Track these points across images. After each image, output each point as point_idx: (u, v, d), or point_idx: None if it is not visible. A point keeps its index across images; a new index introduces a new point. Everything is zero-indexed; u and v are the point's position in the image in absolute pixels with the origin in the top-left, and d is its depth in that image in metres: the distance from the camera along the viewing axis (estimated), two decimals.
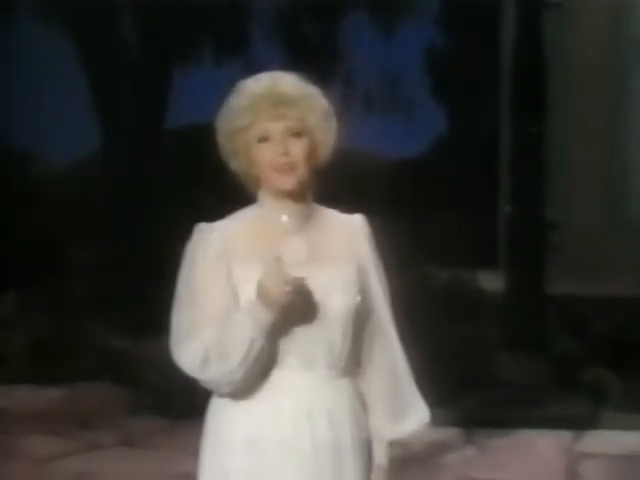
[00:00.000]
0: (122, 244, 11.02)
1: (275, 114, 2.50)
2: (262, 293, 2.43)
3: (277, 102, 2.50)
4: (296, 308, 2.46)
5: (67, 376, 7.96)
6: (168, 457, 6.10)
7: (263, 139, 2.52)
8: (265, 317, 2.44)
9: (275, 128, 2.51)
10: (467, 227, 10.76)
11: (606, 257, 10.50)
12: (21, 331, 8.56)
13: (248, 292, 2.46)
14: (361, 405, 2.61)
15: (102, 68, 12.67)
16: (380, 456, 2.64)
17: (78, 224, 11.27)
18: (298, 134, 2.51)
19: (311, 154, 2.54)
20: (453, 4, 14.11)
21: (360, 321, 2.58)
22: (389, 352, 2.64)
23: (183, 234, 2.66)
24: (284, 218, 2.58)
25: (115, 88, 12.69)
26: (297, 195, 2.56)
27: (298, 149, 2.50)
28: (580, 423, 7.03)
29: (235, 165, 2.60)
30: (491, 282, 9.35)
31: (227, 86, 2.66)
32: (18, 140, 12.35)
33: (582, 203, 11.70)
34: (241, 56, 11.73)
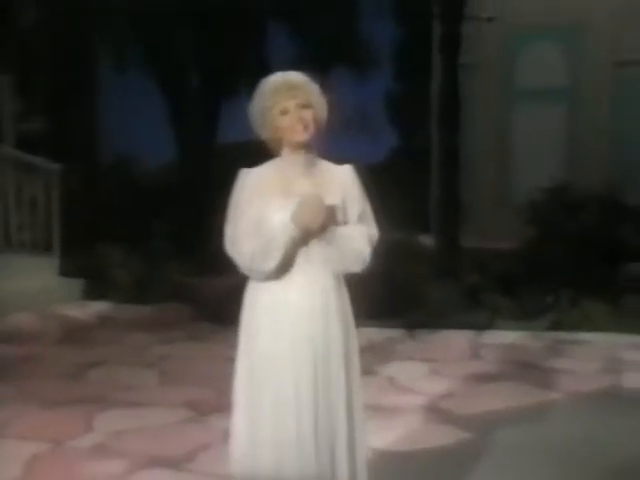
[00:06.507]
0: (190, 217, 11.05)
1: (289, 95, 2.48)
2: (297, 219, 2.39)
3: (290, 87, 2.49)
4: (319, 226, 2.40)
5: (155, 298, 8.02)
6: (218, 347, 6.04)
7: (283, 112, 2.48)
8: (295, 234, 2.42)
9: (290, 104, 2.48)
10: (411, 206, 10.80)
11: (498, 225, 10.62)
12: (127, 270, 8.59)
13: (271, 217, 2.45)
14: (344, 287, 2.56)
15: (177, 102, 12.74)
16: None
17: (163, 204, 11.29)
18: (305, 106, 2.49)
19: (314, 120, 2.51)
20: (401, 63, 14.18)
21: None
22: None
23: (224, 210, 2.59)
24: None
25: (185, 115, 12.74)
26: (305, 150, 2.52)
27: (308, 115, 2.48)
28: (481, 326, 7.05)
29: (264, 134, 2.53)
30: (426, 240, 9.42)
31: None
32: (125, 150, 12.35)
33: (483, 190, 11.82)
34: None
